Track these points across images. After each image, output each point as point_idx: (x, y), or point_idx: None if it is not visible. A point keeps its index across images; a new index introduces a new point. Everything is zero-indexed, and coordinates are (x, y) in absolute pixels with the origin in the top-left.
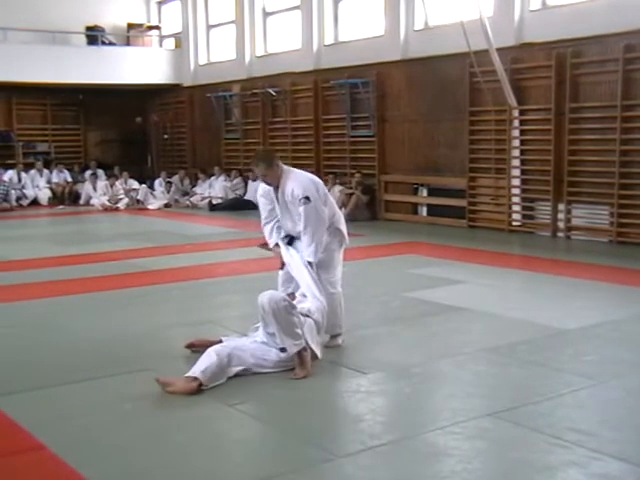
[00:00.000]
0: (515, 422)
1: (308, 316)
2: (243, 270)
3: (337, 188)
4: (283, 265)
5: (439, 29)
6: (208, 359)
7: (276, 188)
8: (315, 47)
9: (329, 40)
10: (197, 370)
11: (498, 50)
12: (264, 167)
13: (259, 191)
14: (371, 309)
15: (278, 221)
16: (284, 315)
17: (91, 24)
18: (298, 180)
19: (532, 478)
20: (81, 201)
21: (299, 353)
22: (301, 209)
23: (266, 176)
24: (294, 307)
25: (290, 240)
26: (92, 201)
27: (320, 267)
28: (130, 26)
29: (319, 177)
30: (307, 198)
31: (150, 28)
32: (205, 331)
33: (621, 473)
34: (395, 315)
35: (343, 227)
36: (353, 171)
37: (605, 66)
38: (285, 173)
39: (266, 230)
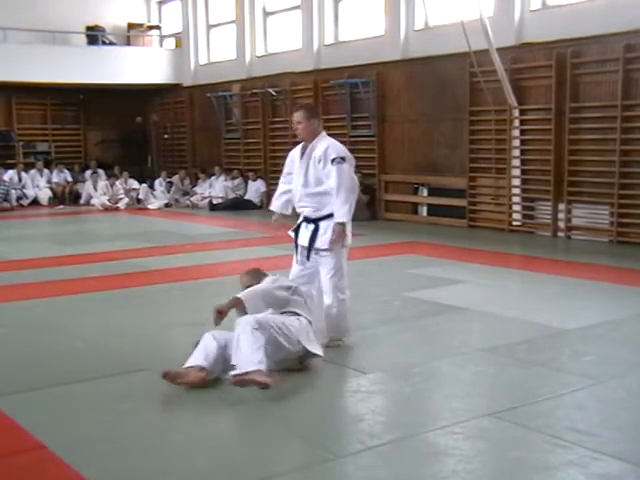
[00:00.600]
0: (515, 422)
1: (300, 315)
2: (242, 270)
3: None
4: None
5: (439, 29)
6: (207, 345)
7: (304, 147)
8: (315, 47)
9: (329, 40)
10: (200, 358)
11: (498, 50)
12: (303, 115)
13: (288, 157)
14: (371, 309)
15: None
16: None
17: (91, 24)
18: (335, 144)
19: (532, 478)
20: (81, 201)
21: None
22: (334, 168)
23: (300, 123)
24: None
25: (298, 225)
26: (92, 201)
27: (329, 273)
28: (130, 26)
29: None
30: (342, 158)
31: (150, 28)
32: (205, 331)
33: (621, 473)
34: (395, 315)
35: (349, 229)
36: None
37: (605, 66)
38: (321, 135)
39: (277, 191)
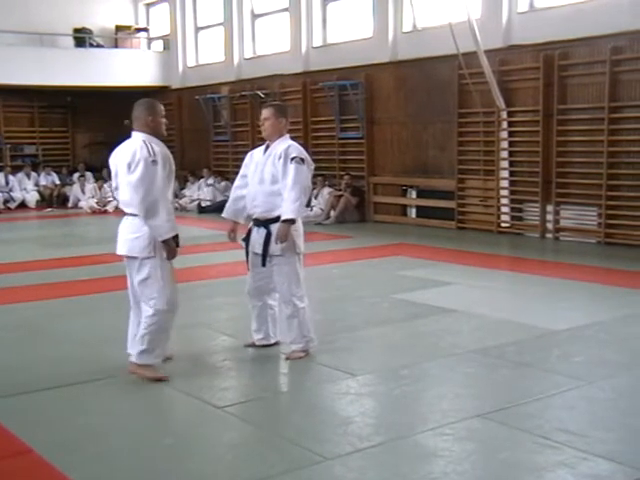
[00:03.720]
0: (504, 423)
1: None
2: (233, 272)
3: (326, 190)
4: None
5: (427, 31)
6: None
7: (266, 147)
8: (304, 49)
9: (318, 42)
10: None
11: (486, 52)
12: (272, 112)
13: (247, 156)
14: (360, 311)
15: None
16: None
17: (79, 26)
18: (297, 146)
19: (521, 479)
20: (69, 204)
21: None
22: (292, 167)
23: (268, 120)
24: None
25: (251, 226)
26: (80, 204)
27: (285, 281)
28: (118, 28)
29: None
30: (302, 160)
31: (138, 30)
32: (195, 333)
33: (610, 473)
34: (384, 317)
35: (301, 234)
36: (342, 173)
37: (592, 68)
38: (286, 136)
39: (231, 197)
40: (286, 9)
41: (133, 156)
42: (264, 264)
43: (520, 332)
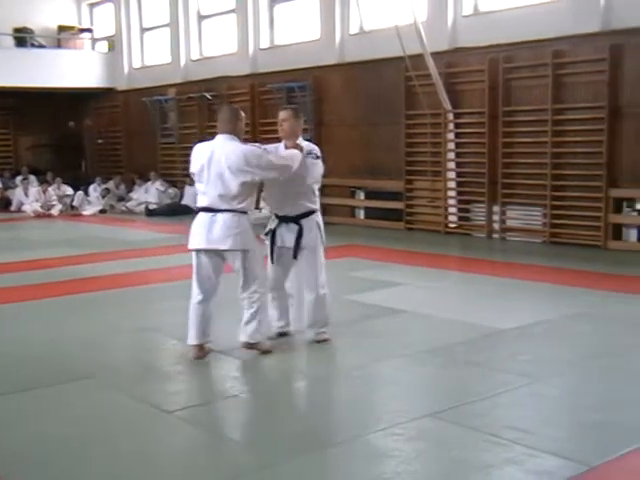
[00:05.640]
0: (454, 422)
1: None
2: (182, 276)
3: None
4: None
5: (374, 33)
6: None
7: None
8: (251, 51)
9: (265, 44)
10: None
11: (433, 54)
12: (291, 114)
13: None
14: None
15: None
16: None
17: (19, 25)
18: (312, 145)
19: (471, 477)
20: (12, 207)
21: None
22: (308, 161)
23: (286, 121)
24: None
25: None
26: (24, 207)
27: (313, 270)
28: (61, 28)
29: None
30: (317, 157)
31: (82, 30)
32: (145, 338)
33: (557, 469)
34: (335, 318)
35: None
36: None
37: (536, 70)
38: (300, 138)
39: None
40: (233, 10)
41: (245, 151)
42: (296, 256)
43: (469, 331)
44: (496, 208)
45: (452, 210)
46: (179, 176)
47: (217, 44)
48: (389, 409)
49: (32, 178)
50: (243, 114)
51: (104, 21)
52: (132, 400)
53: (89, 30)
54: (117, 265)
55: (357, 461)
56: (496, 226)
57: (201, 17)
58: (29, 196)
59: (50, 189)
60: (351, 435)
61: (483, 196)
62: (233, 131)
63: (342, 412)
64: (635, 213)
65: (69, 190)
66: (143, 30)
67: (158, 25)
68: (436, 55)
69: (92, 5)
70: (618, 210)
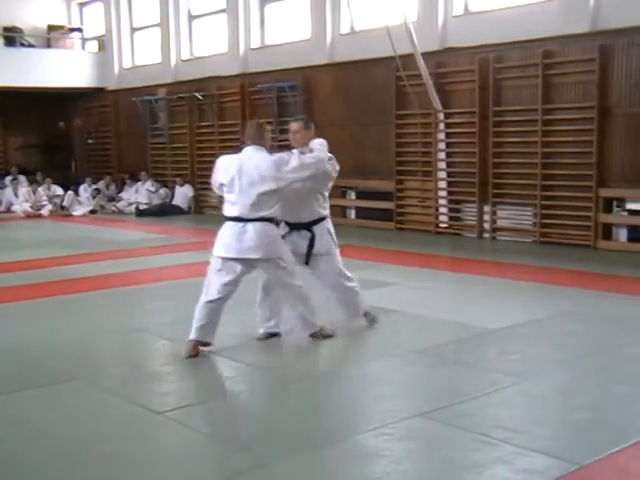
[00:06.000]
0: (444, 422)
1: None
2: (171, 276)
3: None
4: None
5: (365, 33)
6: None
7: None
8: (242, 51)
9: (255, 44)
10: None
11: (423, 54)
12: (302, 125)
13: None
14: None
15: None
16: None
17: (8, 25)
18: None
19: (461, 476)
20: (1, 208)
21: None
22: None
23: (298, 132)
24: None
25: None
26: (13, 207)
27: (335, 270)
28: (50, 28)
29: None
30: (332, 158)
31: (72, 30)
32: (134, 338)
33: (546, 468)
34: (325, 318)
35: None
36: None
37: (526, 71)
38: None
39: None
40: (223, 10)
41: (274, 159)
42: (307, 262)
43: (459, 331)
44: (487, 208)
45: (443, 210)
46: (170, 176)
47: (207, 44)
48: (379, 409)
49: (22, 178)
50: (269, 127)
51: (94, 21)
52: (122, 401)
53: (79, 30)
54: (107, 265)
55: (347, 461)
56: (487, 226)
57: (191, 17)
58: (19, 196)
59: (40, 189)
60: (341, 435)
61: (474, 196)
62: (260, 143)
63: (333, 412)
64: (625, 213)
65: (59, 190)
66: (133, 30)
67: (148, 25)
68: (426, 55)
69: (82, 4)
70: (608, 210)
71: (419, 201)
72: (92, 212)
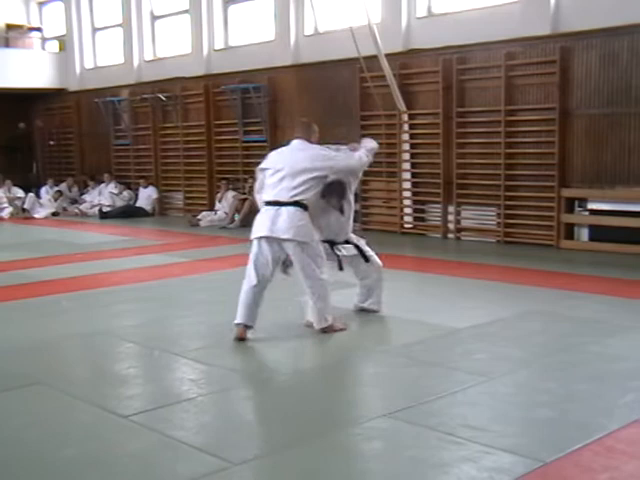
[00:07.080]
0: (410, 421)
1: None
2: (136, 279)
3: (230, 194)
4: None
5: (329, 34)
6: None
7: None
8: (205, 52)
9: (219, 45)
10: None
11: (387, 56)
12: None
13: None
14: (265, 314)
15: None
16: None
17: None
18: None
19: (427, 475)
20: None
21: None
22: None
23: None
24: None
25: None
26: None
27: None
28: (9, 27)
29: (212, 183)
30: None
31: (31, 29)
32: (99, 341)
33: (512, 465)
34: (289, 320)
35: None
36: (246, 176)
37: (489, 72)
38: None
39: None
40: (186, 11)
41: (320, 149)
42: (342, 268)
43: (425, 331)
44: (451, 208)
45: (407, 211)
46: (133, 178)
47: (171, 45)
48: (345, 409)
49: None
50: (317, 128)
51: (54, 20)
52: (86, 404)
53: (39, 29)
54: (70, 269)
55: (313, 462)
56: (451, 226)
57: (154, 17)
58: None
59: (0, 192)
60: (307, 436)
61: (438, 197)
62: (308, 137)
63: (298, 413)
64: (586, 213)
65: (20, 192)
66: (95, 30)
67: (110, 25)
68: (390, 56)
69: (41, 3)
70: (570, 210)
71: (384, 202)
72: (54, 214)
